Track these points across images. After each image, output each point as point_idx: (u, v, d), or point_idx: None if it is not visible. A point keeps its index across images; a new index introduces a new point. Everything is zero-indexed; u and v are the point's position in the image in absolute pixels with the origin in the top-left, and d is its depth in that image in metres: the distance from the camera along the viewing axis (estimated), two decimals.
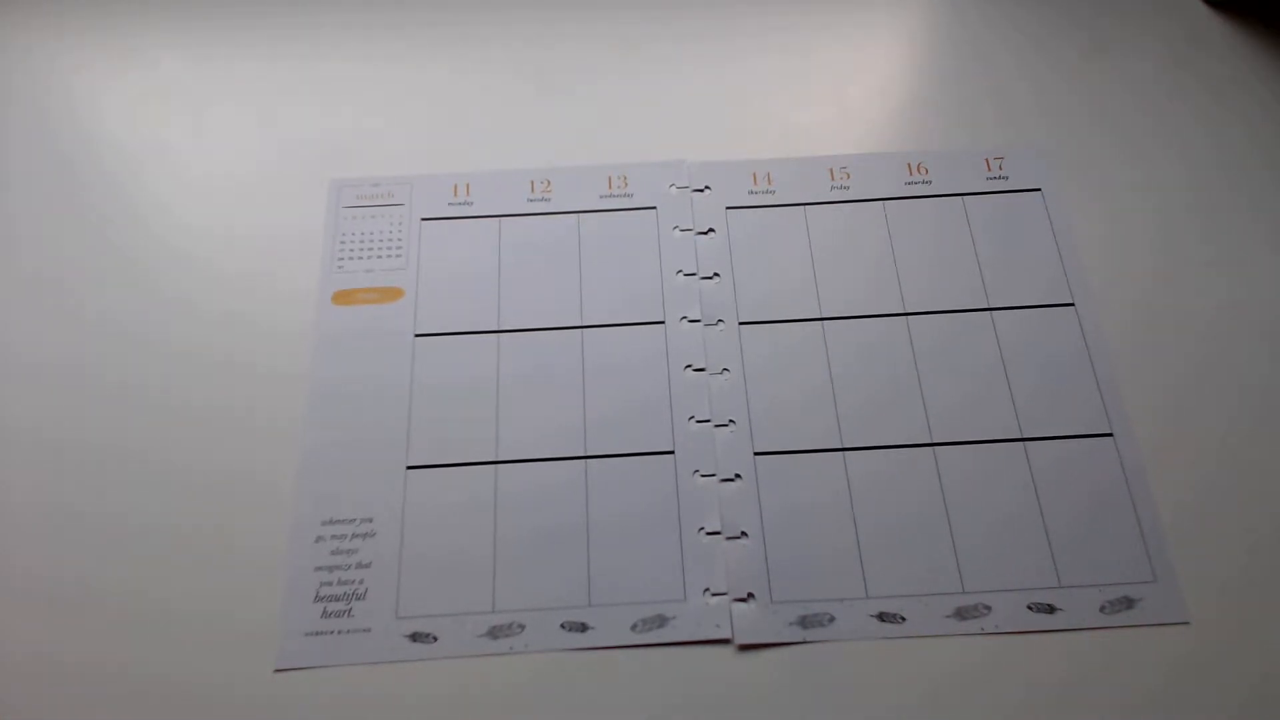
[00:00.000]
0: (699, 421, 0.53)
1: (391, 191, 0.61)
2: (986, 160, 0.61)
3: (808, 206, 0.60)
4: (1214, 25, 0.67)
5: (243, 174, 0.61)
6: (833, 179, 0.61)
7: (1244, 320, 0.56)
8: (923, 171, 0.61)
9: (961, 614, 0.48)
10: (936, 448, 0.52)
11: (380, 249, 0.59)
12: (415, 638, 0.48)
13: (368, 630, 0.48)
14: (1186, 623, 0.47)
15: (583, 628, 0.48)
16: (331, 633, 0.48)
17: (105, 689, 0.46)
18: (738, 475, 0.52)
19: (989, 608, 0.48)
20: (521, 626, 0.48)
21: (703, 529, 0.50)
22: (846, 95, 0.65)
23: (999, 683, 0.46)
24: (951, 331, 0.55)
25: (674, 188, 0.61)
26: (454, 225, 0.60)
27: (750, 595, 0.49)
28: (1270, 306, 0.56)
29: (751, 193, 0.60)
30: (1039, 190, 0.60)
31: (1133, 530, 0.50)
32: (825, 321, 0.56)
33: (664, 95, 0.65)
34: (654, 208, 0.60)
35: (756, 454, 0.52)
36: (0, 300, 0.57)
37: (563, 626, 0.48)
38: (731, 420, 0.53)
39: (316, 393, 0.54)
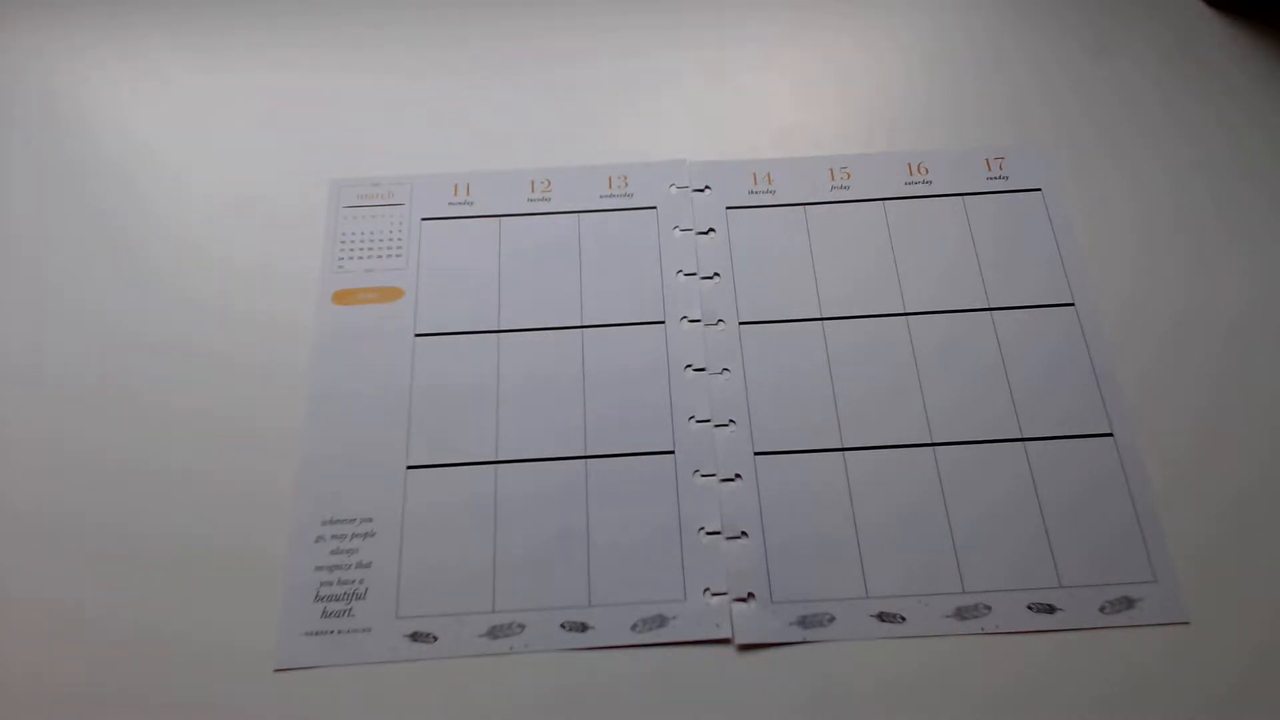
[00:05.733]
0: (699, 421, 0.53)
1: (391, 191, 0.61)
2: (986, 160, 0.61)
3: (808, 206, 0.60)
4: (1214, 25, 0.67)
5: (243, 174, 0.61)
6: (833, 179, 0.61)
7: (1246, 320, 0.55)
8: (923, 171, 0.61)
9: (961, 614, 0.48)
10: (936, 447, 0.52)
11: (380, 249, 0.59)
12: (415, 638, 0.48)
13: (368, 630, 0.48)
14: (1186, 623, 0.47)
15: (583, 628, 0.48)
16: (331, 632, 0.48)
17: (105, 688, 0.46)
18: (738, 475, 0.52)
19: (989, 608, 0.48)
20: (521, 626, 0.48)
21: (703, 529, 0.50)
22: (846, 95, 0.65)
23: (999, 683, 0.46)
24: (951, 331, 0.55)
25: (674, 188, 0.61)
26: (454, 225, 0.60)
27: (750, 595, 0.49)
28: (1274, 306, 0.56)
29: (751, 193, 0.60)
30: (1039, 190, 0.60)
31: (1133, 530, 0.50)
32: (825, 321, 0.56)
33: (664, 95, 0.65)
34: (654, 208, 0.60)
35: (756, 454, 0.52)
36: (0, 300, 0.57)
37: (563, 626, 0.48)
38: (731, 420, 0.53)
39: (316, 392, 0.54)
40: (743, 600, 0.48)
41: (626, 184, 0.61)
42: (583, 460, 0.52)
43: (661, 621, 0.48)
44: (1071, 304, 0.56)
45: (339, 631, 0.48)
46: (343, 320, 0.56)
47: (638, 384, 0.54)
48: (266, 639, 0.48)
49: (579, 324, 0.56)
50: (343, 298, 0.57)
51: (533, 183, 0.61)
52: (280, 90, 0.65)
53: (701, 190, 0.61)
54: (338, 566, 0.49)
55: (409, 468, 0.52)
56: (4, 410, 0.54)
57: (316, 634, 0.48)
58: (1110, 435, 0.52)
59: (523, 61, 0.66)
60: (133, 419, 0.53)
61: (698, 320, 0.56)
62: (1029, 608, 0.48)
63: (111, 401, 0.54)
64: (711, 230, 0.59)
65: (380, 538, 0.50)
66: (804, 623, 0.48)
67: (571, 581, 0.49)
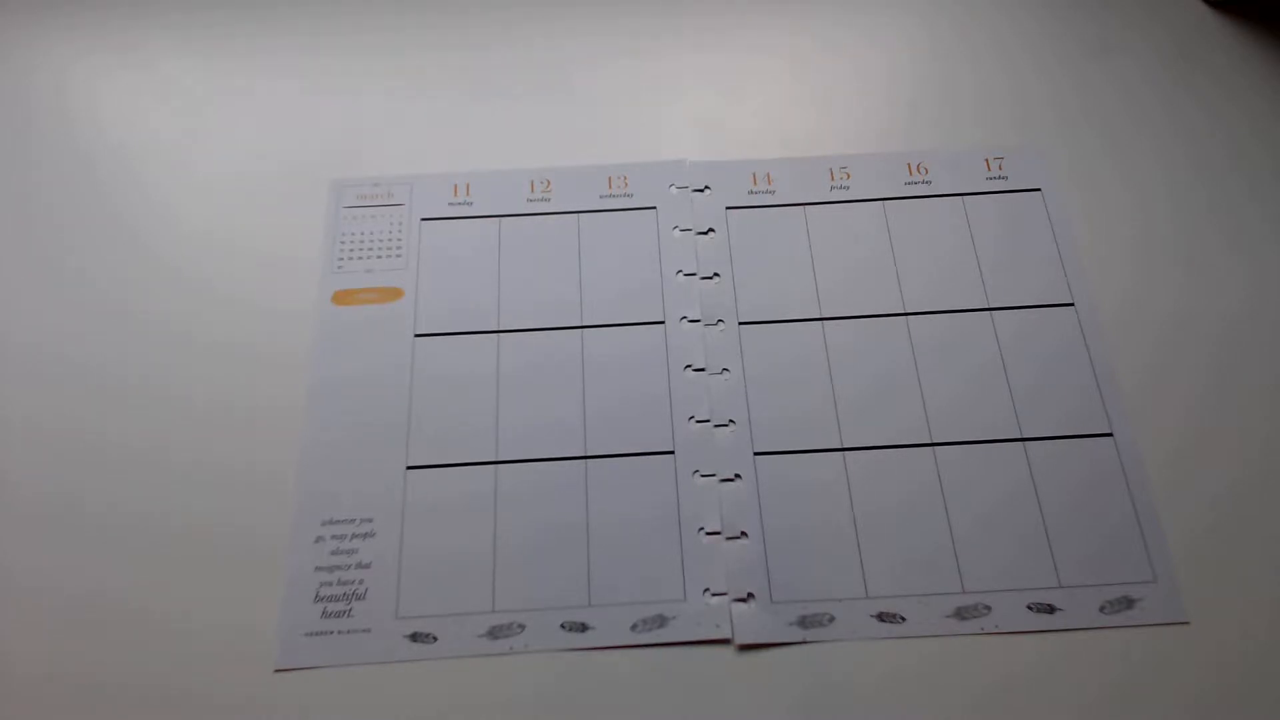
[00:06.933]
0: (699, 421, 0.53)
1: (391, 191, 0.61)
2: (986, 160, 0.61)
3: (808, 206, 0.60)
4: (1214, 25, 0.67)
5: (243, 174, 0.61)
6: (833, 179, 0.61)
7: (1246, 319, 0.56)
8: (923, 171, 0.61)
9: (961, 614, 0.48)
10: (936, 447, 0.52)
11: (380, 249, 0.59)
12: (415, 638, 0.48)
13: (368, 630, 0.48)
14: (1186, 623, 0.47)
15: (583, 628, 0.48)
16: (331, 633, 0.48)
17: (105, 689, 0.46)
18: (738, 475, 0.52)
19: (989, 608, 0.48)
20: (521, 626, 0.48)
21: (703, 529, 0.50)
22: (846, 95, 0.65)
23: (999, 683, 0.46)
24: (951, 331, 0.55)
25: (674, 188, 0.61)
26: (454, 225, 0.60)
27: (750, 595, 0.49)
28: (1275, 306, 0.56)
29: (751, 193, 0.60)
30: (1039, 190, 0.60)
31: (1133, 530, 0.50)
32: (825, 321, 0.56)
33: (664, 95, 0.65)
34: (654, 208, 0.60)
35: (756, 454, 0.52)
36: (1, 298, 0.57)
37: (563, 626, 0.48)
38: (731, 420, 0.53)
39: (317, 393, 0.54)
40: (742, 600, 0.48)
41: (626, 184, 0.61)
42: (582, 460, 0.52)
43: (661, 621, 0.48)
44: (1071, 304, 0.56)
45: (339, 632, 0.48)
46: (343, 320, 0.56)
47: (637, 384, 0.54)
48: (267, 639, 0.48)
49: (579, 324, 0.56)
50: (343, 298, 0.57)
51: (532, 183, 0.61)
52: (280, 90, 0.65)
53: (701, 190, 0.61)
54: (338, 567, 0.49)
55: (409, 468, 0.52)
56: (5, 397, 0.54)
57: (317, 634, 0.48)
58: (1110, 435, 0.52)
59: (523, 61, 0.66)
60: (132, 421, 0.53)
61: (697, 320, 0.56)
62: (1029, 608, 0.48)
63: (110, 403, 0.53)
64: (711, 230, 0.59)
65: (380, 538, 0.50)
66: (804, 623, 0.48)
67: (571, 581, 0.49)
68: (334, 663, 0.47)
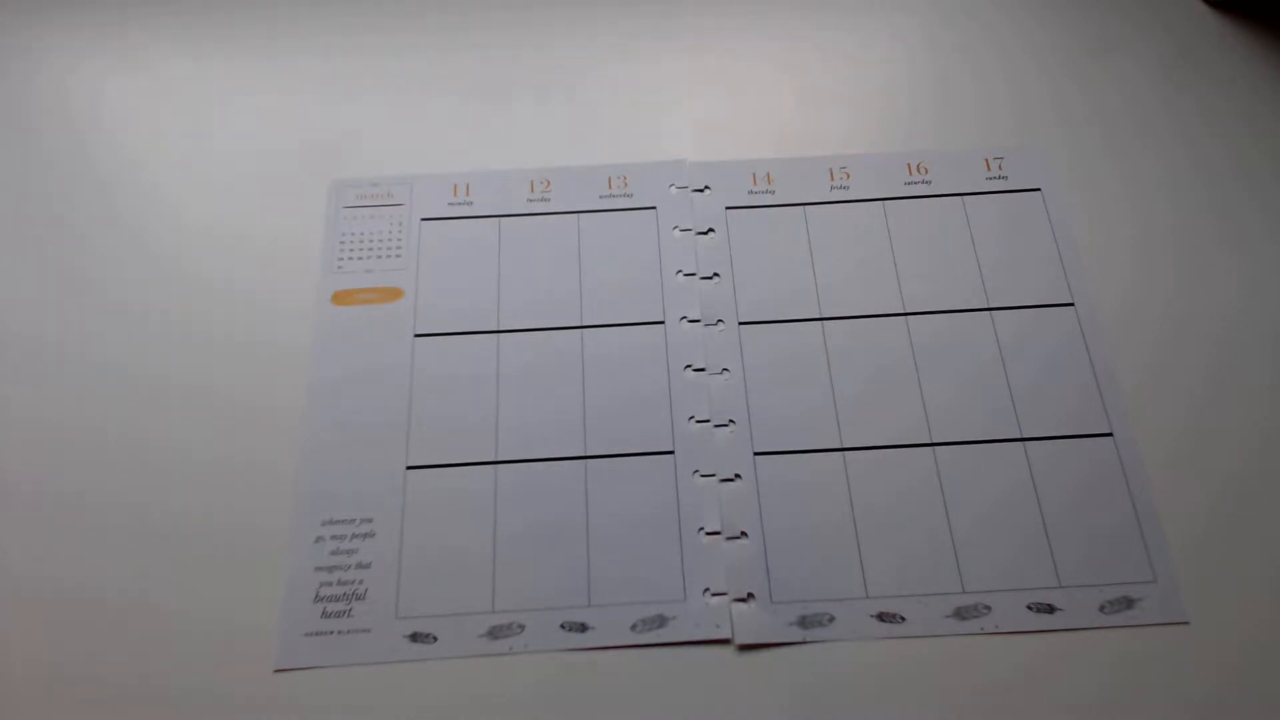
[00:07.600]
0: (699, 421, 0.53)
1: (391, 191, 0.61)
2: (986, 160, 0.61)
3: (808, 206, 0.60)
4: (1215, 25, 0.67)
5: (243, 174, 0.61)
6: (833, 179, 0.61)
7: (1246, 319, 0.56)
8: (923, 171, 0.61)
9: (961, 614, 0.48)
10: (936, 447, 0.52)
11: (380, 249, 0.59)
12: (415, 638, 0.48)
13: (368, 630, 0.48)
14: (1186, 623, 0.47)
15: (583, 628, 0.48)
16: (331, 633, 0.48)
17: (105, 689, 0.46)
18: (738, 475, 0.52)
19: (989, 608, 0.48)
20: (521, 626, 0.48)
21: (703, 529, 0.50)
22: (846, 95, 0.65)
23: (999, 683, 0.46)
24: (951, 331, 0.55)
25: (674, 188, 0.61)
26: (454, 225, 0.60)
27: (750, 595, 0.49)
28: (1274, 306, 0.56)
29: (751, 193, 0.60)
30: (1039, 190, 0.60)
31: (1133, 530, 0.50)
32: (825, 321, 0.56)
33: (664, 95, 0.65)
34: (654, 208, 0.60)
35: (756, 454, 0.52)
36: (2, 298, 0.57)
37: (563, 626, 0.48)
38: (731, 420, 0.53)
39: (316, 393, 0.54)
40: (742, 600, 0.48)
41: (626, 184, 0.61)
42: (582, 460, 0.52)
43: (661, 621, 0.48)
44: (1071, 304, 0.56)
45: (339, 632, 0.48)
46: (342, 320, 0.56)
47: (637, 384, 0.54)
48: (267, 639, 0.48)
49: (578, 324, 0.56)
50: (342, 298, 0.57)
51: (532, 183, 0.61)
52: (280, 90, 0.65)
53: (701, 190, 0.61)
54: (337, 567, 0.49)
55: (409, 468, 0.52)
56: (5, 396, 0.54)
57: (316, 634, 0.48)
58: (1110, 435, 0.52)
59: (523, 61, 0.66)
60: (131, 421, 0.53)
61: (697, 320, 0.56)
62: (1029, 608, 0.48)
63: (109, 403, 0.53)
64: (711, 230, 0.59)
65: (380, 538, 0.50)
66: (804, 623, 0.48)
67: (571, 581, 0.49)
68: (334, 663, 0.47)
